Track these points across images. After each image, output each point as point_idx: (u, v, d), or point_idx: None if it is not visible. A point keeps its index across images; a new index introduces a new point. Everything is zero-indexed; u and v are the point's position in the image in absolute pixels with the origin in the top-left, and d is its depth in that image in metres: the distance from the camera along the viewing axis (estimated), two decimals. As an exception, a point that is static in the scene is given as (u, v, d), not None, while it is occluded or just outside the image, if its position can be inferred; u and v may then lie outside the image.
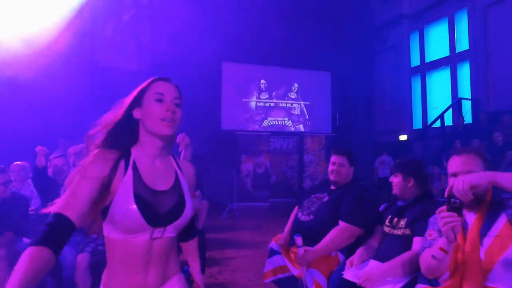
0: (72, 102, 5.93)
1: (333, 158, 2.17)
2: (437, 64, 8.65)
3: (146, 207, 0.92)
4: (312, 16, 8.68)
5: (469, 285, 1.31)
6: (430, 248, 1.41)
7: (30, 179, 3.22)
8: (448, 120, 7.73)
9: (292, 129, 8.47)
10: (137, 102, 1.00)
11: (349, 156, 2.16)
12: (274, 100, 8.39)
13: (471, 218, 1.40)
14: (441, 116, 7.48)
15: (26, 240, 2.56)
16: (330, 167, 2.15)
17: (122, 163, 0.95)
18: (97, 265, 2.44)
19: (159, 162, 1.01)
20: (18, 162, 3.20)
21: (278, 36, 8.14)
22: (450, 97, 8.21)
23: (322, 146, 8.02)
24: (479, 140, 5.84)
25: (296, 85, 8.55)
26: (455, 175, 1.38)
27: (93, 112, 1.17)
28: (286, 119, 8.43)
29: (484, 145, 5.72)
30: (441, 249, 1.31)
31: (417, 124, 9.09)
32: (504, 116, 5.99)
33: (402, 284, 1.57)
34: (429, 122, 8.36)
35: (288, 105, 8.49)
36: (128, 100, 1.01)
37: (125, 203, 0.90)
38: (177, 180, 1.02)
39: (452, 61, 8.28)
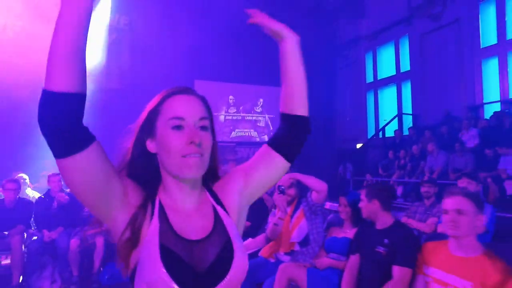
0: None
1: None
2: (387, 82, 10.06)
3: (179, 266, 0.70)
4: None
5: (283, 242, 2.57)
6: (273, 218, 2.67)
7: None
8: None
9: (258, 139, 9.71)
10: (148, 131, 0.78)
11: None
12: (241, 114, 9.63)
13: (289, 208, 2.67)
14: (383, 129, 8.88)
15: (31, 231, 3.69)
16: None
17: (148, 207, 0.75)
18: (85, 249, 3.62)
19: (191, 203, 0.79)
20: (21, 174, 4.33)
21: (245, 55, 9.36)
22: (396, 111, 9.61)
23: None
24: (404, 150, 7.21)
25: (261, 100, 9.81)
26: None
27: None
28: (252, 130, 9.66)
29: (407, 155, 7.09)
30: (280, 218, 2.56)
31: (372, 133, 10.47)
32: (427, 130, 7.37)
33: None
34: (380, 133, 9.72)
35: (254, 118, 9.74)
36: (136, 128, 0.80)
37: (151, 265, 0.69)
38: (217, 221, 0.79)
39: (398, 79, 9.70)
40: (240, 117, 9.61)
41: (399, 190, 6.67)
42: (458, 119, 7.38)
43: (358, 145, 10.38)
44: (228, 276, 0.72)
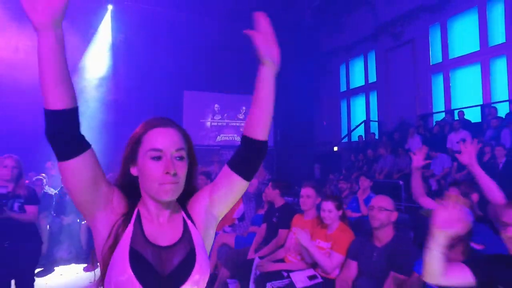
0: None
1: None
2: (357, 91, 11.40)
3: (144, 269, 0.81)
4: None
5: (227, 218, 3.88)
6: None
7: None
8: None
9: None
10: (131, 159, 0.90)
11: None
12: (226, 120, 10.96)
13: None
14: (350, 134, 10.22)
15: (52, 216, 5.00)
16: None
17: (128, 216, 0.89)
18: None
19: (164, 216, 0.91)
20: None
21: (229, 67, 10.68)
22: (365, 118, 10.94)
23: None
24: (363, 154, 8.55)
25: (244, 107, 11.14)
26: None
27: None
28: (235, 135, 11.00)
29: (365, 158, 8.42)
30: None
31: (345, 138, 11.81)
32: (383, 136, 8.71)
33: None
34: (352, 137, 11.04)
35: (237, 124, 11.07)
36: (123, 154, 0.92)
37: (120, 266, 0.80)
38: (185, 232, 0.90)
39: (366, 89, 11.04)
40: (224, 123, 10.94)
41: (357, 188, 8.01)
42: (411, 126, 8.72)
43: (335, 148, 11.72)
44: (188, 281, 0.81)
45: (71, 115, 0.77)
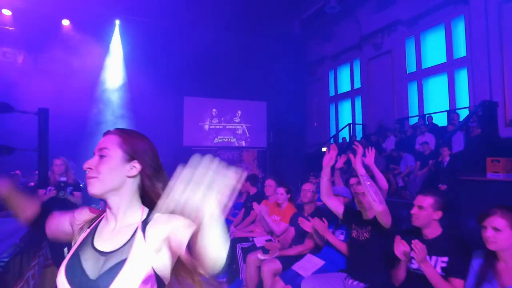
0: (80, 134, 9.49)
1: None
2: (344, 96, 12.52)
3: (76, 271, 0.91)
4: (253, 57, 12.37)
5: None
6: None
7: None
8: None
9: (236, 144, 12.20)
10: None
11: None
12: (223, 124, 12.13)
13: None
14: (336, 136, 11.34)
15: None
16: None
17: (92, 222, 1.08)
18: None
19: (116, 222, 1.00)
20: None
21: (225, 75, 11.83)
22: (351, 121, 12.04)
23: (255, 157, 11.84)
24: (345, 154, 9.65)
25: (239, 112, 12.30)
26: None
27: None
28: (231, 137, 12.16)
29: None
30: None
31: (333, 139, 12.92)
32: (362, 138, 9.81)
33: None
34: (340, 138, 12.13)
35: (233, 127, 12.23)
36: None
37: (60, 269, 0.92)
38: (128, 242, 0.95)
39: (352, 94, 12.15)
40: (221, 126, 12.10)
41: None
42: (389, 129, 9.82)
43: (324, 149, 12.83)
44: None
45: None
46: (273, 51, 12.51)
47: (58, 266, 3.75)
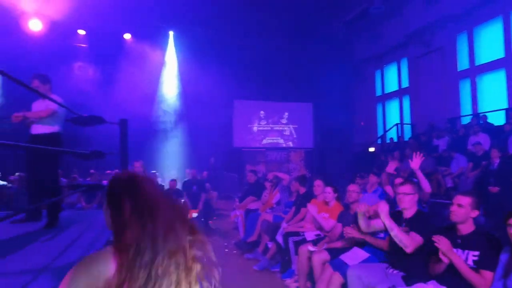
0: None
1: None
2: (392, 95, 12.38)
3: None
4: (299, 60, 12.71)
5: (268, 203, 5.53)
6: None
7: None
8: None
9: (284, 145, 12.61)
10: None
11: None
12: (270, 125, 12.60)
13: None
14: (383, 136, 11.28)
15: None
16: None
17: None
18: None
19: None
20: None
21: (273, 78, 12.29)
22: (399, 121, 11.90)
23: (302, 157, 12.15)
24: (391, 155, 9.64)
25: (286, 113, 12.70)
26: None
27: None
28: (279, 138, 12.59)
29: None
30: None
31: (380, 139, 12.82)
32: (411, 138, 9.72)
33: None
34: (387, 138, 12.06)
35: (280, 128, 12.65)
36: None
37: None
38: None
39: (400, 94, 11.99)
40: (269, 128, 12.58)
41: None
42: (439, 129, 9.63)
43: (372, 149, 12.80)
44: None
45: None
46: (318, 53, 12.74)
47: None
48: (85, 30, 10.72)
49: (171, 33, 12.12)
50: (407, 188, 2.73)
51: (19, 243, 2.74)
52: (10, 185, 7.18)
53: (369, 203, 3.23)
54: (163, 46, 12.02)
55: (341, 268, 2.88)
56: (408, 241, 2.51)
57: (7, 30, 9.35)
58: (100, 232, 3.20)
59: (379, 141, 12.40)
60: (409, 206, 2.72)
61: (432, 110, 10.53)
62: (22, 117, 3.55)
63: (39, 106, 3.70)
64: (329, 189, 4.00)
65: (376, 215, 2.95)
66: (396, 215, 2.87)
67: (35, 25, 10.18)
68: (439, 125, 9.92)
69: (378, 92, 12.92)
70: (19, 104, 3.80)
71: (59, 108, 3.55)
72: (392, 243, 2.73)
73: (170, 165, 10.95)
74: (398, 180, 3.60)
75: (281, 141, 12.61)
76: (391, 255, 2.78)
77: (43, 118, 3.58)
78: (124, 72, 11.30)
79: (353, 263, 2.88)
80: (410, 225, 2.68)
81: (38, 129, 3.61)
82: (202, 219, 7.50)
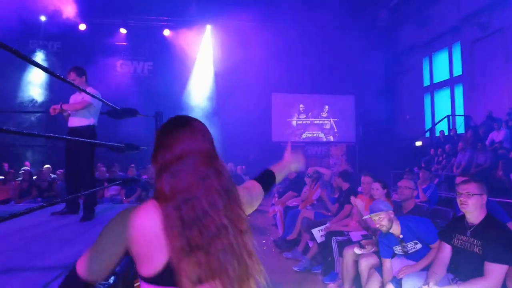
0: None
1: None
2: (442, 85, 11.40)
3: None
4: (339, 51, 12.12)
5: (309, 199, 5.21)
6: None
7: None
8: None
9: (324, 139, 12.11)
10: None
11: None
12: (310, 119, 12.15)
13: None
14: (432, 129, 10.40)
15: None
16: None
17: None
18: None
19: None
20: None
21: (312, 70, 11.82)
22: (450, 112, 10.93)
23: (343, 152, 11.57)
24: (441, 149, 8.86)
25: (326, 106, 12.17)
26: None
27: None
28: (319, 132, 12.11)
29: (444, 152, 8.73)
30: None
31: (429, 132, 11.88)
32: (469, 130, 8.84)
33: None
34: (437, 131, 11.14)
35: (320, 122, 12.16)
36: None
37: None
38: None
39: (451, 82, 11.00)
40: (309, 122, 12.15)
41: (435, 181, 8.42)
42: (498, 121, 8.67)
43: (419, 143, 11.93)
44: None
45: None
46: (359, 43, 12.05)
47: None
48: (126, 29, 10.95)
49: (208, 27, 12.05)
50: (471, 186, 2.26)
51: (52, 235, 2.68)
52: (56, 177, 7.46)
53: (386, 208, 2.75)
54: (200, 40, 11.98)
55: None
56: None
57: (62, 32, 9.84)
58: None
59: (427, 134, 11.50)
60: (473, 209, 2.25)
61: (490, 99, 9.51)
62: (60, 109, 3.53)
63: (75, 99, 3.67)
64: (377, 185, 3.60)
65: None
66: (458, 221, 2.43)
67: (81, 27, 10.60)
68: (499, 116, 8.94)
69: (426, 82, 11.96)
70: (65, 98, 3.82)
71: (93, 100, 3.48)
72: (459, 255, 2.30)
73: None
74: (459, 179, 3.10)
75: (321, 135, 12.13)
76: (458, 264, 2.35)
77: (79, 110, 3.54)
78: (162, 67, 11.44)
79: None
80: (477, 234, 2.22)
81: (74, 121, 3.58)
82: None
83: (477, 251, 2.19)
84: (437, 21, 11.19)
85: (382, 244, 2.76)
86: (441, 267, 2.38)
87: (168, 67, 11.46)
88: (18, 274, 1.80)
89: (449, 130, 10.19)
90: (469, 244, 2.26)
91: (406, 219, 2.80)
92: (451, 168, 8.05)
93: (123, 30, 10.98)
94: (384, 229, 2.68)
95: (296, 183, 6.18)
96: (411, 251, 2.66)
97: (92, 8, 10.09)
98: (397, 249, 2.72)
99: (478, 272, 2.16)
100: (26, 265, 1.93)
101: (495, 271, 2.06)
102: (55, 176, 7.65)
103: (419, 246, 2.66)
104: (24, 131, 1.89)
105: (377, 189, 3.59)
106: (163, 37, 11.49)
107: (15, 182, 7.05)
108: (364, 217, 3.20)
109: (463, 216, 2.38)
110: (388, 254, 2.73)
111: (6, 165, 8.31)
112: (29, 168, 8.07)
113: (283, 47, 11.85)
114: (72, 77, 3.60)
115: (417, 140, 11.94)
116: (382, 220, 2.66)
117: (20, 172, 7.63)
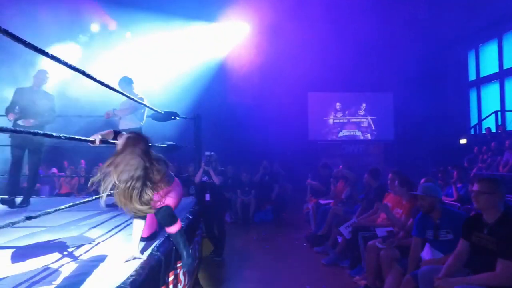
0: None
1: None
2: (490, 79, 10.80)
3: None
4: (376, 46, 11.89)
5: (337, 196, 5.38)
6: None
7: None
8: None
9: (361, 138, 12.00)
10: None
11: None
12: (347, 117, 12.09)
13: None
14: (478, 125, 9.92)
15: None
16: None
17: None
18: (245, 204, 7.13)
19: None
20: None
21: (348, 67, 11.72)
22: (499, 108, 10.35)
23: (382, 151, 11.40)
24: (486, 146, 8.47)
25: (364, 104, 12.04)
26: None
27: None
28: (356, 130, 12.01)
29: (489, 151, 8.35)
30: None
31: (474, 130, 11.32)
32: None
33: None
34: (483, 129, 10.62)
35: (358, 120, 12.06)
36: None
37: None
38: None
39: (501, 76, 10.40)
40: (346, 120, 12.10)
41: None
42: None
43: (464, 140, 11.42)
44: None
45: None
46: (397, 37, 11.74)
47: (209, 238, 4.73)
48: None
49: (245, 25, 12.34)
50: (482, 185, 2.35)
51: (105, 222, 3.16)
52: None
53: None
54: (238, 40, 12.32)
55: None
56: None
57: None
58: (178, 213, 3.48)
59: (472, 131, 11.01)
60: (485, 207, 2.33)
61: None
62: (112, 114, 4.10)
63: (125, 105, 4.18)
64: (403, 184, 3.71)
65: None
66: (476, 219, 2.50)
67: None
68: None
69: (472, 76, 11.41)
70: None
71: (139, 105, 3.97)
72: (476, 252, 2.39)
73: (242, 157, 11.23)
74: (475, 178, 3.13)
75: (359, 133, 12.03)
76: (474, 260, 2.44)
77: (127, 115, 4.05)
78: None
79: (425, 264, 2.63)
80: (494, 232, 2.28)
81: (123, 125, 4.09)
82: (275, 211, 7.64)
83: (493, 248, 2.25)
84: (485, 10, 10.60)
85: (419, 223, 2.94)
86: (457, 261, 2.48)
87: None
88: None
89: (497, 126, 9.70)
90: (485, 241, 2.33)
91: (449, 208, 2.98)
92: (497, 167, 7.71)
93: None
94: (424, 210, 2.88)
95: (328, 181, 6.32)
96: (441, 238, 2.79)
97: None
98: (430, 233, 2.86)
99: (492, 269, 2.23)
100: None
101: (507, 267, 2.11)
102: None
103: (450, 236, 2.77)
104: (82, 137, 2.31)
105: (403, 187, 3.70)
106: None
107: (75, 178, 7.91)
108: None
109: (481, 213, 2.45)
110: (421, 234, 2.91)
111: (66, 163, 9.29)
112: (84, 166, 8.97)
113: (318, 45, 11.86)
114: (122, 85, 4.13)
115: (462, 138, 11.45)
116: (425, 200, 2.86)
117: (78, 169, 8.52)
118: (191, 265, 2.26)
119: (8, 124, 5.03)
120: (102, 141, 2.23)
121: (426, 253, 2.74)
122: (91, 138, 2.22)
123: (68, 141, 2.15)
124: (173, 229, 2.12)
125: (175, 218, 2.14)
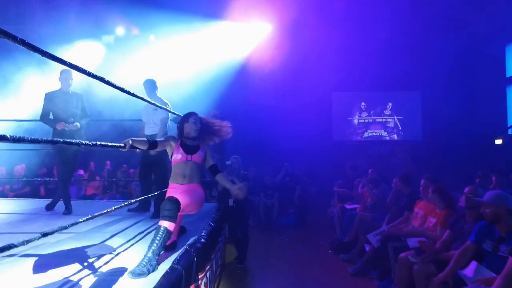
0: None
1: None
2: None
3: None
4: (403, 43, 11.44)
5: (363, 203, 5.16)
6: None
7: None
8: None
9: (388, 138, 11.60)
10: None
11: None
12: (372, 117, 11.72)
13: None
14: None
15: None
16: None
17: None
18: (268, 207, 7.02)
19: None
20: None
21: (373, 66, 11.35)
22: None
23: (408, 152, 10.96)
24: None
25: (390, 104, 11.63)
26: None
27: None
28: (382, 131, 11.62)
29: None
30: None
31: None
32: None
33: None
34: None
35: (383, 120, 11.66)
36: None
37: None
38: None
39: (541, 72, 9.75)
40: (371, 120, 11.74)
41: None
42: None
43: (498, 141, 10.82)
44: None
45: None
46: (425, 32, 11.26)
47: (233, 243, 4.62)
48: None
49: (267, 26, 12.22)
50: (487, 197, 2.58)
51: (127, 229, 3.13)
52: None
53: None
54: (260, 42, 12.22)
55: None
56: None
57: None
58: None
59: (509, 131, 10.38)
60: (492, 220, 2.59)
61: None
62: (129, 146, 4.20)
63: (149, 109, 4.16)
64: (438, 191, 3.47)
65: None
66: (488, 226, 2.54)
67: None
68: None
69: (510, 72, 10.77)
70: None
71: (167, 120, 4.07)
72: (487, 253, 2.35)
73: (266, 159, 11.09)
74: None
75: (385, 134, 11.64)
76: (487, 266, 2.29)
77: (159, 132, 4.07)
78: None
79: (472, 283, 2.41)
80: (504, 241, 2.37)
81: (149, 130, 4.08)
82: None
83: (504, 255, 2.40)
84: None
85: (479, 231, 2.67)
86: (462, 258, 2.68)
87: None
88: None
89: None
90: (496, 248, 2.50)
91: None
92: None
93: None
94: (488, 219, 2.59)
95: (354, 184, 6.10)
96: (500, 253, 2.48)
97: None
98: (488, 244, 2.59)
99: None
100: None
101: None
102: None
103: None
104: (116, 144, 2.26)
105: (438, 194, 3.46)
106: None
107: (99, 180, 8.05)
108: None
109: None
110: (478, 242, 2.66)
111: (92, 164, 9.48)
112: (109, 168, 9.11)
113: (341, 44, 11.56)
114: (147, 87, 4.13)
115: (497, 138, 10.85)
116: (488, 208, 2.56)
117: (103, 170, 8.66)
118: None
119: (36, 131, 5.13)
120: (131, 147, 2.38)
121: (470, 270, 2.52)
122: (121, 144, 2.35)
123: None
124: (165, 224, 2.20)
125: (174, 217, 2.25)
